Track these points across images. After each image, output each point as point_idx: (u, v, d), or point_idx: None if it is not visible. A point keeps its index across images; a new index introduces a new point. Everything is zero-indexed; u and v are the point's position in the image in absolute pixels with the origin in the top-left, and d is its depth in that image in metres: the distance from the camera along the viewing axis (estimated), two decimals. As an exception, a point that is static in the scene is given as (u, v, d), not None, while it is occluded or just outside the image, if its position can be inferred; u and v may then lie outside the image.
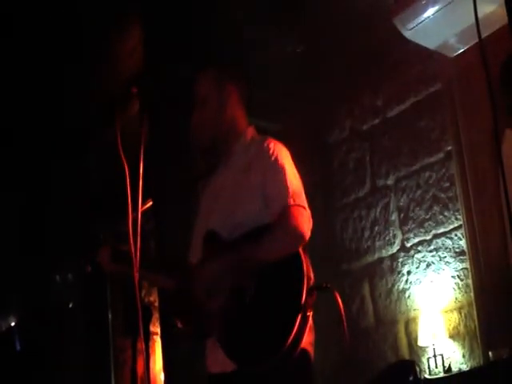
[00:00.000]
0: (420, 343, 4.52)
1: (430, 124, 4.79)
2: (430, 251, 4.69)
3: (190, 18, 4.34)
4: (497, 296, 4.17)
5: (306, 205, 2.41)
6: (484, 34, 1.79)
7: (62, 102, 5.01)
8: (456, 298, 4.49)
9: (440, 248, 4.62)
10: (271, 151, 2.49)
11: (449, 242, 4.58)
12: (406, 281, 4.83)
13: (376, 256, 5.08)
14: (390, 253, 4.98)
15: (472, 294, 4.34)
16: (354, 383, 4.57)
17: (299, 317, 2.20)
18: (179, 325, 2.48)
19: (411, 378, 4.13)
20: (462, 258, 4.48)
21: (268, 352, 2.23)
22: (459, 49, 4.28)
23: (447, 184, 4.64)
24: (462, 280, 4.47)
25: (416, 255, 4.79)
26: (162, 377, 4.73)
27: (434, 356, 4.38)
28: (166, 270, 2.61)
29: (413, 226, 4.84)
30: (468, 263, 4.39)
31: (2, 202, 5.65)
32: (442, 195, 4.65)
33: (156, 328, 4.50)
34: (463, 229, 4.44)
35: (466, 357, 4.38)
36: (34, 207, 5.76)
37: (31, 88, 4.79)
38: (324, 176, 5.50)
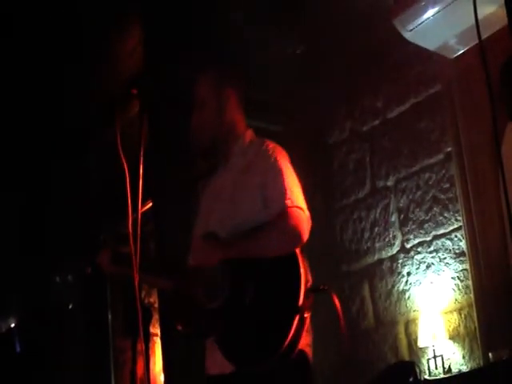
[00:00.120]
0: (420, 344, 4.52)
1: (430, 125, 4.79)
2: (430, 252, 4.69)
3: (190, 18, 4.34)
4: (497, 297, 4.17)
5: (305, 206, 2.41)
6: (484, 35, 1.79)
7: (62, 102, 5.00)
8: (456, 299, 4.48)
9: (440, 249, 4.62)
10: (270, 152, 2.51)
11: (449, 243, 4.58)
12: (406, 282, 4.83)
13: (376, 257, 5.08)
14: (389, 254, 4.98)
15: (472, 295, 4.33)
16: (354, 384, 4.58)
17: (296, 318, 2.20)
18: (179, 328, 2.48)
19: (411, 379, 4.13)
20: (461, 259, 4.47)
21: (265, 353, 2.24)
22: (459, 50, 4.27)
23: (447, 185, 4.63)
24: (461, 281, 4.47)
25: (416, 256, 4.79)
26: (161, 378, 4.73)
27: (434, 357, 4.38)
28: (165, 272, 2.61)
29: (413, 227, 4.84)
30: (468, 264, 4.38)
31: (2, 202, 5.64)
32: (442, 196, 4.65)
33: (156, 329, 4.50)
34: (463, 230, 4.44)
35: (466, 358, 4.38)
36: (34, 207, 5.76)
37: (31, 88, 4.79)
38: (324, 177, 5.50)
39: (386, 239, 5.02)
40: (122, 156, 2.30)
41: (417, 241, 4.79)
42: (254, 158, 2.54)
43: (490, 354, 4.01)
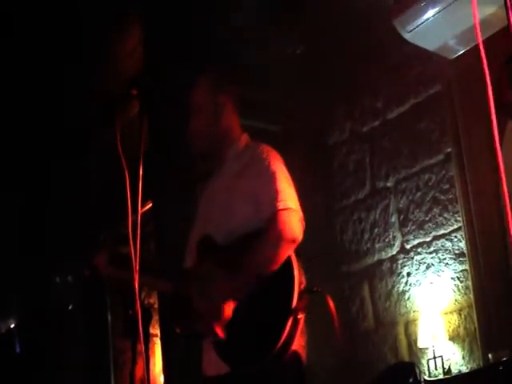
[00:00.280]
0: (420, 345, 4.52)
1: (430, 126, 4.79)
2: (430, 253, 4.69)
3: (190, 18, 4.34)
4: (497, 298, 4.17)
5: (298, 207, 2.40)
6: (484, 36, 1.79)
7: (62, 102, 5.01)
8: (456, 300, 4.48)
9: (440, 250, 4.62)
10: (264, 156, 2.50)
11: (448, 243, 4.58)
12: (406, 282, 4.83)
13: (376, 258, 5.08)
14: (389, 254, 4.98)
15: (472, 296, 4.33)
16: (354, 385, 4.58)
17: (290, 320, 2.21)
18: (178, 330, 2.49)
19: (411, 380, 4.12)
20: (461, 259, 4.47)
21: (258, 354, 2.25)
22: (459, 51, 4.26)
23: (447, 186, 4.63)
24: (461, 282, 4.47)
25: (416, 257, 4.79)
26: (161, 379, 4.74)
27: (434, 358, 4.38)
28: (163, 274, 2.62)
29: (412, 227, 4.84)
30: (468, 265, 4.38)
31: (2, 202, 5.65)
32: (442, 197, 4.65)
33: (156, 330, 4.50)
34: (463, 230, 4.44)
35: (466, 359, 4.38)
36: (34, 207, 5.77)
37: (31, 88, 4.79)
38: (324, 178, 5.50)
39: (386, 240, 5.02)
40: (121, 156, 2.29)
41: (417, 241, 4.79)
42: (248, 162, 2.55)
43: (489, 355, 4.01)
